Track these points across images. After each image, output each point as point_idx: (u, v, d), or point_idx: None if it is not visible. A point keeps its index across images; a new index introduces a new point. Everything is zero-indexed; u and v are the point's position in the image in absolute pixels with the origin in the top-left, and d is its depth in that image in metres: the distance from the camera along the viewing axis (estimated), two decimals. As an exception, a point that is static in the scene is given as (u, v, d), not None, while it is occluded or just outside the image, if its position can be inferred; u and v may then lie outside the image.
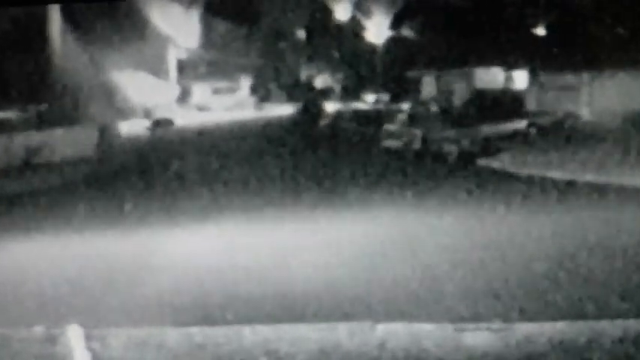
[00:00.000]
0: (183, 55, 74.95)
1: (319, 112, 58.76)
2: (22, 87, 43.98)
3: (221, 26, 76.05)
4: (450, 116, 38.99)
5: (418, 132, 36.93)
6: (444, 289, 12.74)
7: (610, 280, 12.74)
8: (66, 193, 29.96)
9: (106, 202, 26.34)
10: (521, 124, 39.03)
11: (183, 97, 75.68)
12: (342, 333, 4.08)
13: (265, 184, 28.87)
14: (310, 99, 66.71)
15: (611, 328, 4.07)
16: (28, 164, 36.97)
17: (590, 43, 44.49)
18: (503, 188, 25.35)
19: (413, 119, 39.13)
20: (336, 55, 74.37)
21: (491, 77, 56.66)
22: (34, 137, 38.56)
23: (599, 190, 23.48)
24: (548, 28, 56.99)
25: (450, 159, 33.95)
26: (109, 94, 53.84)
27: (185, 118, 64.58)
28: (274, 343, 3.88)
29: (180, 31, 72.63)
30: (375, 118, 46.80)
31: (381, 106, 57.38)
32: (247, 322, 10.84)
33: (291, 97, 73.89)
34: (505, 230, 17.81)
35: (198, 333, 4.09)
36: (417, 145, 36.80)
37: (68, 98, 44.62)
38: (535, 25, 57.88)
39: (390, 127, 40.24)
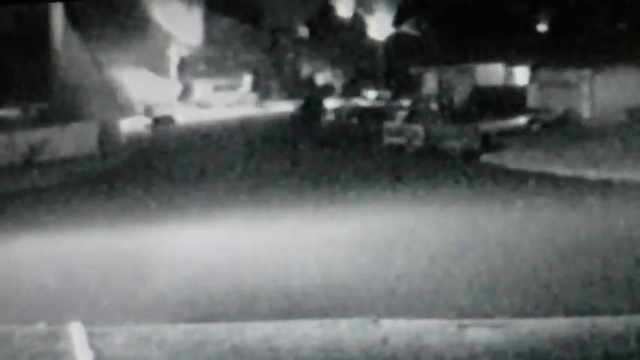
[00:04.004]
0: (185, 53, 74.91)
1: (320, 109, 58.75)
2: (25, 85, 44.00)
3: (222, 23, 75.95)
4: (451, 113, 38.95)
5: (420, 129, 36.87)
6: (446, 285, 12.73)
7: (612, 276, 12.74)
8: (67, 190, 29.96)
9: (107, 199, 26.34)
10: (522, 120, 38.99)
11: (185, 94, 75.59)
12: (344, 329, 4.08)
13: (266, 181, 28.86)
14: (311, 96, 66.74)
15: (612, 324, 4.07)
16: (30, 162, 36.96)
17: (591, 40, 44.45)
18: (506, 185, 25.34)
19: (414, 116, 39.07)
20: (338, 52, 74.28)
21: (492, 74, 56.56)
22: (36, 135, 38.54)
23: (601, 186, 23.48)
24: (549, 24, 56.96)
25: (452, 156, 33.91)
26: (110, 91, 53.79)
27: (186, 116, 64.55)
28: (276, 340, 3.88)
29: (182, 28, 72.54)
30: (376, 115, 46.77)
31: (382, 103, 57.43)
32: (249, 318, 10.85)
33: (292, 94, 73.84)
34: (507, 226, 17.81)
35: (199, 330, 4.10)
36: (418, 141, 36.75)
37: (70, 96, 44.61)
38: (536, 22, 57.86)
39: (391, 124, 40.21)
